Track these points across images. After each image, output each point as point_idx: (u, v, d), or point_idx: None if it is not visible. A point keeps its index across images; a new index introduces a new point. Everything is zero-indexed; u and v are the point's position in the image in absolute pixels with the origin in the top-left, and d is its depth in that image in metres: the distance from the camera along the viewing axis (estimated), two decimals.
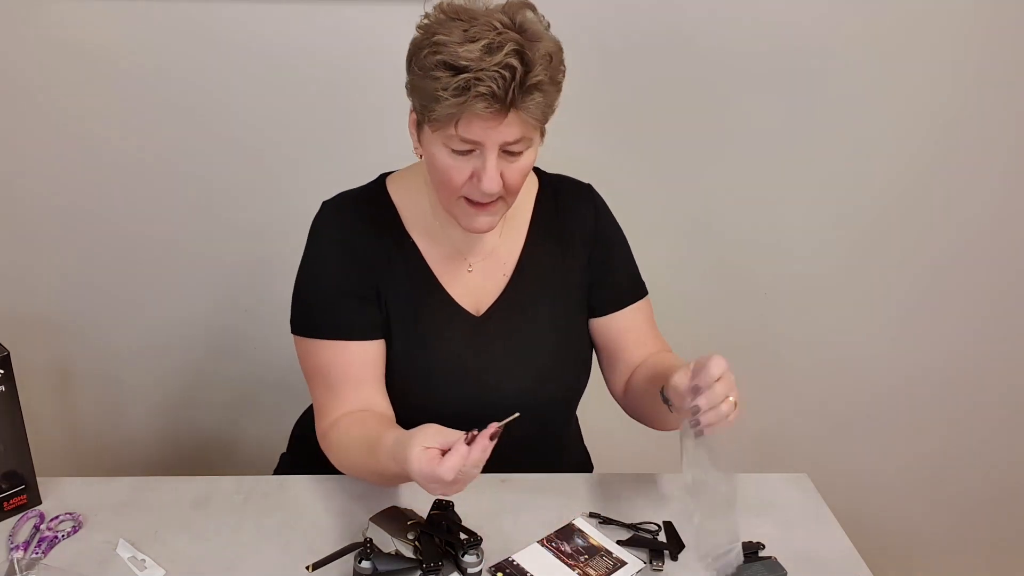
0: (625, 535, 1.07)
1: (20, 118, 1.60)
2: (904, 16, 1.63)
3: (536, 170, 1.26)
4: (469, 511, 1.05)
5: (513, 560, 1.02)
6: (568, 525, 1.08)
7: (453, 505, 1.04)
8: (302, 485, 1.15)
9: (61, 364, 1.80)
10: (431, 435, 0.91)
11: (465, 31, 0.97)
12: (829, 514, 1.15)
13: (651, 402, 1.10)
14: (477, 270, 1.20)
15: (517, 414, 0.91)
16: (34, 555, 1.00)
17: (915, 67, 1.67)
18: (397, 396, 1.15)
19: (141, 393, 1.84)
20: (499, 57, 0.95)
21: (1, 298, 1.72)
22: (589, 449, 1.40)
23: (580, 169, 1.31)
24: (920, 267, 1.83)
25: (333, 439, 1.11)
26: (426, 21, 1.02)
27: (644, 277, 1.28)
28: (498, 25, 0.98)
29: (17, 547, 1.01)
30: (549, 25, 1.04)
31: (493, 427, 0.90)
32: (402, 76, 1.06)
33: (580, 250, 1.23)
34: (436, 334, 1.16)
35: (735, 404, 0.98)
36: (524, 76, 0.97)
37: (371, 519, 1.02)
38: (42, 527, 1.05)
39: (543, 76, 0.99)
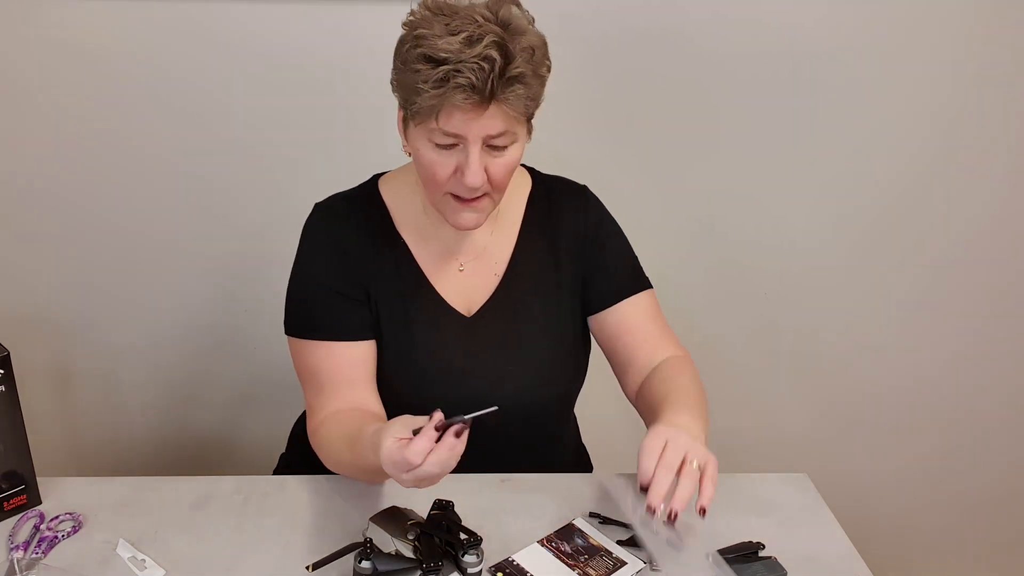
0: (625, 535, 1.07)
1: (20, 118, 1.60)
2: (905, 15, 1.63)
3: (531, 170, 1.26)
4: (469, 511, 1.05)
5: (513, 560, 1.02)
6: (568, 525, 1.08)
7: (453, 505, 1.04)
8: (302, 485, 1.15)
9: (61, 364, 1.80)
10: (401, 425, 0.91)
11: (447, 25, 0.98)
12: (829, 514, 1.14)
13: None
14: (468, 270, 1.20)
15: (494, 407, 0.91)
16: (34, 555, 1.00)
17: (915, 67, 1.67)
18: (389, 397, 1.15)
19: (141, 393, 1.84)
20: (479, 49, 0.96)
21: (1, 298, 1.72)
22: (589, 449, 1.41)
23: (580, 169, 1.31)
24: (920, 267, 1.83)
25: (321, 436, 1.12)
26: (411, 18, 1.03)
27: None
28: (479, 19, 0.98)
29: (17, 547, 1.01)
30: (534, 20, 1.04)
31: (458, 425, 0.89)
32: None
33: (573, 249, 1.22)
34: (426, 335, 1.16)
35: (698, 468, 0.94)
36: (504, 68, 0.97)
37: (371, 519, 1.01)
38: (42, 527, 1.05)
39: (524, 68, 0.99)
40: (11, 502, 1.07)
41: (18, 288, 1.72)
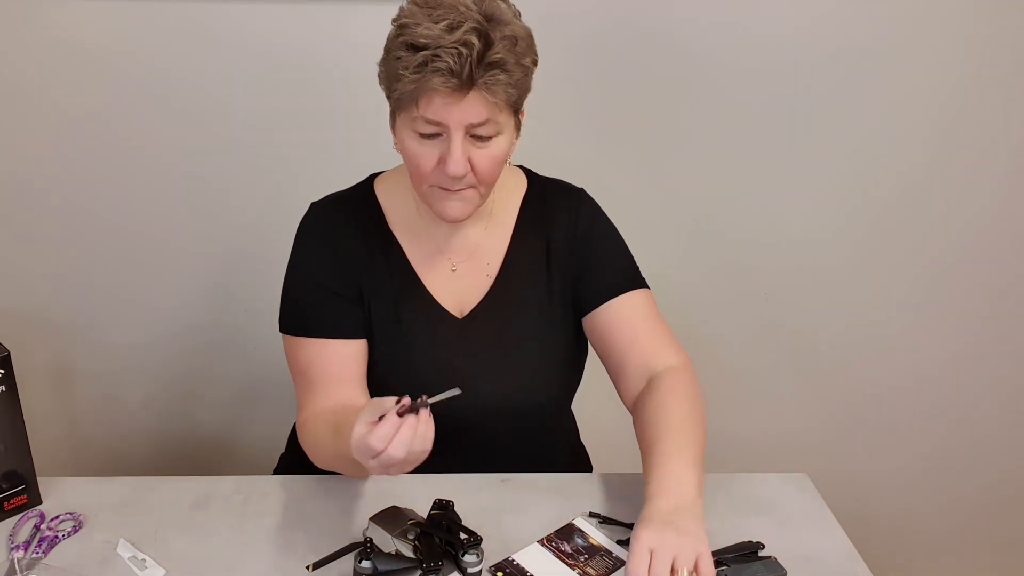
0: (625, 535, 1.07)
1: (20, 118, 1.60)
2: (905, 16, 1.63)
3: (528, 172, 1.26)
4: (469, 511, 1.05)
5: (513, 560, 1.02)
6: (568, 525, 1.08)
7: (453, 505, 1.04)
8: (302, 485, 1.15)
9: (61, 364, 1.80)
10: (371, 409, 0.90)
11: (430, 15, 0.99)
12: (829, 514, 1.14)
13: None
14: (461, 270, 1.19)
15: (456, 390, 0.91)
16: (34, 555, 1.00)
17: (916, 67, 1.67)
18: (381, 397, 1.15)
19: (141, 393, 1.84)
20: (458, 35, 0.97)
21: (1, 298, 1.72)
22: (589, 449, 1.40)
23: (580, 169, 1.31)
24: (920, 267, 1.83)
25: (307, 432, 1.12)
26: (399, 13, 1.04)
27: (644, 277, 1.24)
28: (462, 9, 0.99)
29: (17, 547, 1.01)
30: (520, 14, 1.05)
31: (423, 412, 0.88)
32: None
33: (565, 250, 1.21)
34: (418, 336, 1.16)
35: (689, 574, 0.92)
36: (483, 53, 0.97)
37: (371, 519, 1.01)
38: (42, 527, 1.05)
39: (504, 55, 0.99)
40: (11, 502, 1.07)
41: (18, 288, 1.72)
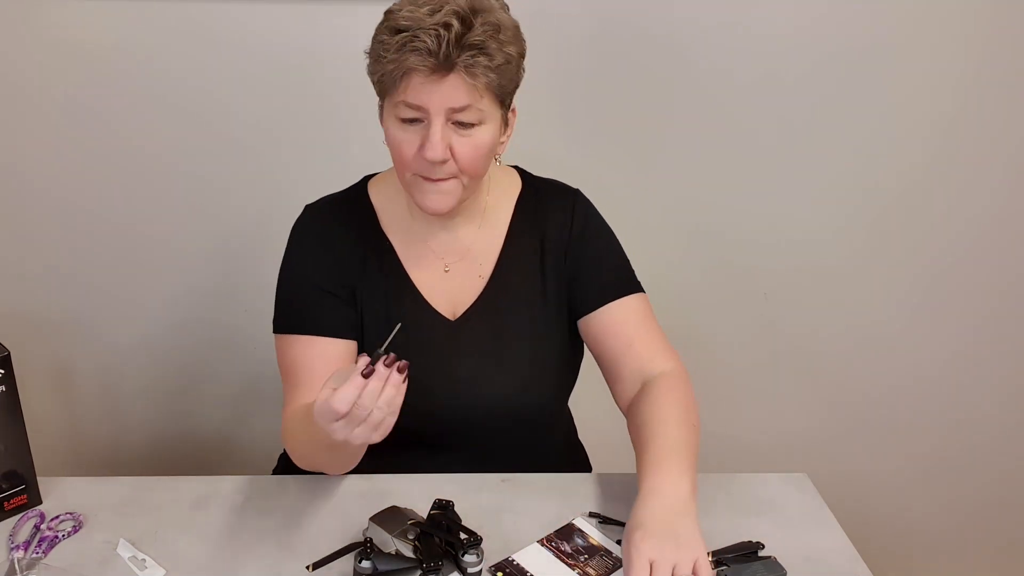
0: None
1: (20, 118, 1.60)
2: (905, 16, 1.63)
3: (522, 172, 1.26)
4: (469, 511, 1.05)
5: (513, 560, 1.02)
6: (568, 525, 1.08)
7: (453, 505, 1.04)
8: (302, 485, 1.15)
9: (61, 364, 1.80)
10: (335, 377, 0.89)
11: (415, 2, 1.00)
12: (829, 514, 1.14)
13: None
14: (453, 271, 1.19)
15: (399, 325, 0.91)
16: (34, 555, 1.00)
17: (916, 67, 1.67)
18: None
19: (141, 393, 1.84)
20: (438, 17, 0.98)
21: (1, 298, 1.72)
22: (588, 448, 1.40)
23: (578, 169, 1.31)
24: (920, 267, 1.83)
25: (287, 427, 1.12)
26: (391, 6, 1.04)
27: (643, 278, 1.24)
28: None
29: (17, 547, 1.01)
30: (508, 8, 1.05)
31: (394, 375, 0.88)
32: None
33: (559, 252, 1.20)
34: (409, 338, 1.16)
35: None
36: (462, 34, 0.98)
37: (371, 519, 1.01)
38: (42, 527, 1.05)
39: (484, 38, 0.99)
40: (11, 502, 1.07)
41: (18, 288, 1.72)
